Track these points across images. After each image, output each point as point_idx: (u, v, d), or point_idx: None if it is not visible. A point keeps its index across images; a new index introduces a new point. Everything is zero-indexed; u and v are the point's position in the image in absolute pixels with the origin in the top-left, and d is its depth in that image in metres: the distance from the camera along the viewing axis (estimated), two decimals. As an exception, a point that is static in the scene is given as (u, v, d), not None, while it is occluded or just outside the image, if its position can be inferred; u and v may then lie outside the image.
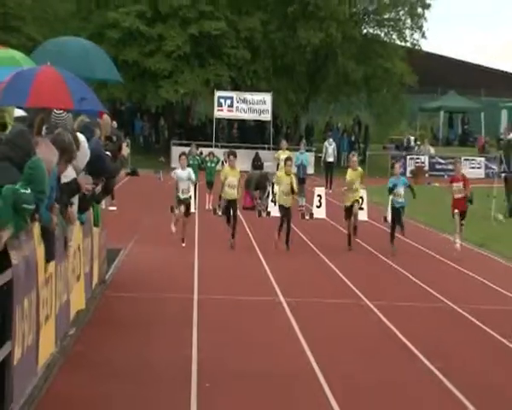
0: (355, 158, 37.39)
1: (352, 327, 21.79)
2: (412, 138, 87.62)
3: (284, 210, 32.67)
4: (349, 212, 34.67)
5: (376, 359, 19.10)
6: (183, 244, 33.07)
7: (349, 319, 22.60)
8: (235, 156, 36.55)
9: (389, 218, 47.05)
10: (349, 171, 35.82)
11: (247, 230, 38.95)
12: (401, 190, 33.09)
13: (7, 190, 13.22)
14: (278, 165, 50.19)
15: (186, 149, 57.17)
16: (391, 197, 34.27)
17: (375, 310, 23.48)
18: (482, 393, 16.46)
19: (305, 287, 25.39)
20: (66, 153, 16.06)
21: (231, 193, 33.47)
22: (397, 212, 33.77)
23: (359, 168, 36.31)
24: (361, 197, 36.83)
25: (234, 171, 34.34)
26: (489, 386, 17.08)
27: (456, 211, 32.40)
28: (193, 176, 34.46)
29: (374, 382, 17.29)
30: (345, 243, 35.90)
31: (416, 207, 42.91)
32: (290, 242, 32.79)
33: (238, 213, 36.11)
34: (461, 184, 32.09)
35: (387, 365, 18.66)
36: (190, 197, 33.60)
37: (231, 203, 33.55)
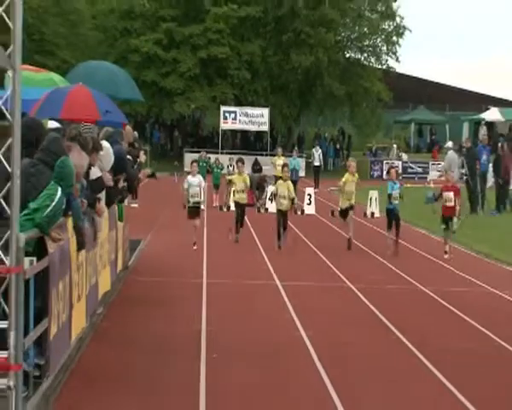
0: (354, 164, 34.70)
1: (336, 305, 21.87)
2: (395, 146, 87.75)
3: (281, 213, 30.61)
4: (344, 213, 32.53)
5: (357, 331, 19.19)
6: (195, 247, 30.40)
7: (334, 299, 22.67)
8: (242, 163, 35.12)
9: (368, 212, 47.55)
10: (346, 174, 33.27)
11: (249, 224, 38.88)
12: (397, 193, 31.07)
13: (60, 199, 13.45)
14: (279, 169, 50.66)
15: (196, 156, 57.73)
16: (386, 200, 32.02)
17: (356, 291, 23.55)
18: (441, 354, 16.66)
19: (298, 273, 25.36)
20: (86, 148, 16.27)
21: (239, 197, 32.18)
22: (392, 213, 31.39)
23: (356, 175, 33.43)
24: (351, 205, 32.70)
25: (241, 177, 32.71)
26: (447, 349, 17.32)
27: (446, 219, 30.49)
28: (203, 183, 32.53)
29: (355, 351, 17.41)
30: (335, 238, 35.74)
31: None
32: (284, 239, 31.24)
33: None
34: (451, 194, 29.98)
35: (366, 337, 18.76)
36: (200, 202, 31.45)
37: (240, 206, 32.21)
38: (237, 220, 32.16)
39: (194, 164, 32.46)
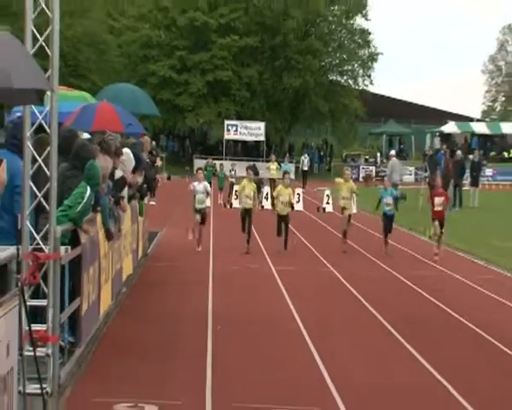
0: (348, 172, 31.94)
1: (321, 286, 21.85)
2: (378, 154, 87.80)
3: (282, 217, 27.62)
4: (343, 210, 29.81)
5: (337, 306, 19.28)
6: (199, 248, 27.30)
7: (320, 281, 22.65)
8: (253, 170, 31.65)
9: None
10: (342, 181, 30.73)
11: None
12: (390, 199, 28.30)
13: (89, 197, 13.54)
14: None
15: (204, 162, 57.94)
16: (382, 206, 28.95)
17: (339, 276, 23.51)
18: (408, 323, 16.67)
19: (289, 260, 25.27)
20: (110, 151, 16.41)
21: (247, 202, 28.03)
22: (387, 219, 28.61)
23: (351, 181, 30.80)
24: (350, 215, 29.90)
25: (250, 184, 28.79)
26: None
27: (436, 223, 27.39)
28: (209, 188, 28.86)
29: (333, 319, 17.49)
30: (319, 230, 36.63)
31: (366, 203, 42.67)
32: (289, 244, 28.17)
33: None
34: (442, 199, 27.45)
35: (344, 309, 18.85)
36: (206, 208, 27.83)
37: (247, 212, 28.05)
38: (243, 227, 27.98)
39: (200, 171, 29.38)
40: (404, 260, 28.01)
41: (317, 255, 27.91)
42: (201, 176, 28.38)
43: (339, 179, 31.16)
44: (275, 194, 27.36)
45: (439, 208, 27.52)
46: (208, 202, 28.00)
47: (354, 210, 30.69)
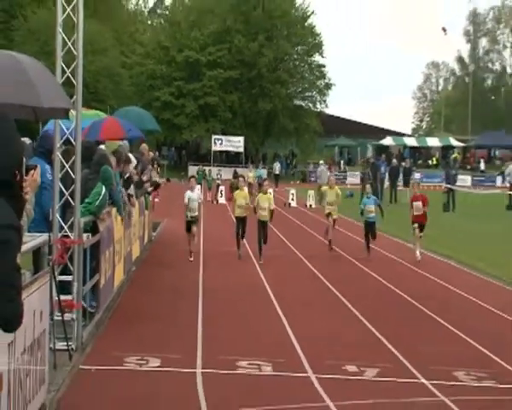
0: (332, 178, 28.09)
1: (290, 268, 21.78)
2: (342, 162, 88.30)
3: (261, 223, 22.60)
4: (327, 216, 24.94)
5: (301, 283, 19.17)
6: (191, 258, 22.24)
7: (289, 264, 22.58)
8: (244, 179, 27.16)
9: (307, 204, 46.89)
10: (327, 187, 26.51)
11: (231, 214, 38.68)
12: (372, 207, 23.62)
13: (105, 195, 13.64)
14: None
15: (196, 168, 58.14)
16: (364, 213, 24.09)
17: (304, 259, 23.46)
18: (357, 297, 16.63)
19: (267, 249, 25.20)
20: (121, 159, 16.49)
21: (239, 211, 23.26)
22: (369, 225, 23.79)
23: (336, 187, 25.73)
24: (335, 219, 25.30)
25: (242, 193, 24.01)
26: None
27: (415, 225, 23.26)
28: (201, 196, 24.92)
29: (297, 292, 17.38)
30: (287, 222, 34.55)
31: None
32: (263, 251, 22.43)
33: (223, 201, 33.57)
34: (420, 203, 23.02)
35: (306, 285, 18.72)
36: (198, 216, 22.86)
37: (240, 219, 23.42)
38: (237, 233, 23.37)
39: (193, 179, 23.99)
40: (353, 245, 27.47)
41: (284, 240, 27.84)
42: (194, 183, 23.28)
43: (324, 187, 26.57)
44: (255, 203, 22.89)
45: (419, 213, 23.21)
46: (198, 212, 22.77)
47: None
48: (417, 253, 23.19)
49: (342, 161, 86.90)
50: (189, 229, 22.24)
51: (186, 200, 22.29)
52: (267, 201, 22.96)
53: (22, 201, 4.87)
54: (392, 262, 23.36)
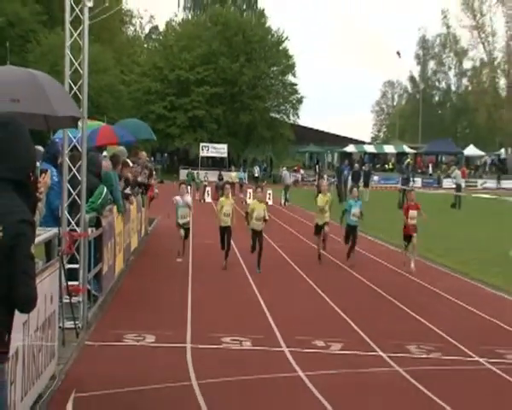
0: (325, 183, 23.77)
1: (269, 259, 21.75)
2: (317, 166, 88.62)
3: (256, 233, 19.20)
4: (319, 229, 20.46)
5: (279, 272, 19.14)
6: (179, 259, 19.30)
7: (267, 255, 22.56)
8: (230, 184, 22.59)
9: (282, 202, 46.59)
10: (320, 196, 21.22)
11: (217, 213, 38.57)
12: (357, 211, 19.77)
13: (106, 194, 13.62)
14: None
15: (186, 172, 58.06)
16: (346, 216, 20.24)
17: (277, 248, 23.35)
18: (327, 283, 16.66)
19: (243, 237, 25.05)
20: (118, 163, 16.64)
21: (226, 220, 19.39)
22: (352, 229, 20.10)
23: (328, 194, 21.46)
24: (325, 222, 20.76)
25: (228, 200, 19.86)
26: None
27: (405, 243, 19.49)
28: (191, 203, 20.24)
29: (276, 280, 17.36)
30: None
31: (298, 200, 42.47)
32: (261, 263, 18.86)
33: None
34: (415, 212, 19.42)
35: (284, 274, 18.69)
36: (188, 222, 20.05)
37: (226, 229, 19.44)
38: (223, 245, 19.27)
39: (183, 186, 20.54)
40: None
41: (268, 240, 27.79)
42: (184, 190, 19.92)
43: (320, 195, 21.18)
44: (249, 210, 19.34)
45: (413, 222, 19.39)
46: (189, 217, 19.81)
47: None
48: (412, 265, 19.00)
49: (317, 166, 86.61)
50: (183, 231, 19.60)
51: (175, 203, 19.66)
52: (263, 210, 19.14)
53: (36, 199, 4.88)
54: (357, 253, 23.37)
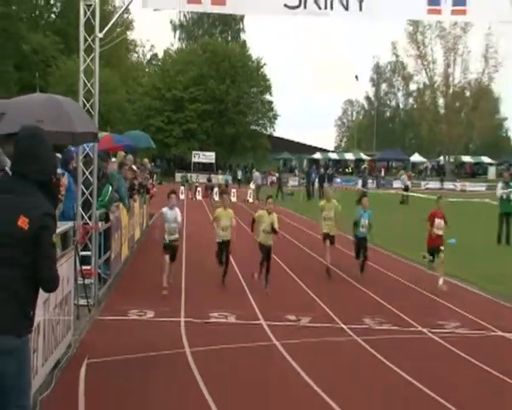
0: (330, 190, 18.89)
1: (252, 250, 21.57)
2: (296, 171, 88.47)
3: (264, 249, 14.06)
4: (325, 236, 15.66)
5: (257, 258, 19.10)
6: (165, 292, 12.81)
7: (250, 246, 22.37)
8: (227, 194, 15.91)
9: (247, 199, 46.12)
10: (323, 201, 16.63)
11: (206, 208, 38.40)
12: (366, 221, 15.29)
13: (111, 192, 13.63)
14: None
15: (181, 175, 58.00)
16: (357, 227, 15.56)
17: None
18: (304, 270, 16.59)
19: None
20: (124, 166, 16.71)
21: (224, 235, 14.24)
22: (361, 241, 15.48)
23: (334, 201, 16.33)
24: (333, 236, 16.01)
25: (226, 211, 14.37)
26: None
27: (430, 257, 14.36)
28: (179, 218, 13.88)
29: (255, 263, 17.33)
30: (246, 213, 33.06)
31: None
32: (269, 280, 13.85)
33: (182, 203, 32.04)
34: (442, 221, 14.41)
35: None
36: (177, 240, 13.76)
37: (224, 245, 14.28)
38: (221, 261, 14.31)
39: (172, 196, 13.94)
40: (299, 233, 27.21)
41: (242, 225, 27.63)
42: (173, 201, 13.68)
43: (322, 202, 16.76)
44: (256, 218, 14.44)
45: (440, 232, 14.24)
46: (177, 234, 13.70)
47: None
48: (441, 281, 13.95)
49: (297, 170, 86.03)
50: (167, 251, 13.27)
51: (163, 218, 13.61)
52: (270, 221, 13.87)
53: (57, 198, 4.94)
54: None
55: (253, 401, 7.36)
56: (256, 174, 52.73)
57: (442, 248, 14.18)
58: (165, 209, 13.63)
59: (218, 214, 14.29)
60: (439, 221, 14.34)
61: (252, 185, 50.24)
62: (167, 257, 13.24)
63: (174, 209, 13.53)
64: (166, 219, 13.45)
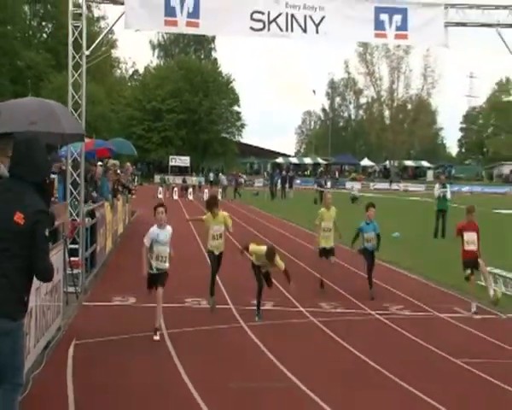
0: (330, 195, 13.57)
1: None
2: (265, 173, 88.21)
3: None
4: (325, 253, 12.33)
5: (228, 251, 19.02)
6: (156, 337, 8.49)
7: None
8: (215, 204, 10.75)
9: (220, 197, 45.88)
10: (323, 209, 12.65)
11: (181, 205, 38.14)
12: (372, 234, 11.85)
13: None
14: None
15: (159, 177, 57.55)
16: (361, 240, 12.11)
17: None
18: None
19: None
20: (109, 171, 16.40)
21: (216, 245, 10.69)
22: (370, 254, 11.96)
23: (333, 207, 12.71)
24: (332, 248, 12.37)
25: (217, 218, 10.59)
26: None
27: (468, 271, 10.77)
28: (168, 238, 8.95)
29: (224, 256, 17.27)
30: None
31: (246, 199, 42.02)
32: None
33: (180, 198, 31.85)
34: (474, 234, 10.85)
35: (230, 252, 18.53)
36: (166, 270, 8.88)
37: (217, 257, 10.75)
38: (213, 275, 10.70)
39: (161, 209, 8.97)
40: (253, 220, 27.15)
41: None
42: (163, 217, 9.03)
43: (321, 209, 12.84)
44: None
45: (472, 247, 10.95)
46: (167, 262, 9.09)
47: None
48: (491, 291, 10.91)
49: (265, 173, 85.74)
50: (151, 286, 9.03)
51: (148, 242, 9.09)
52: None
53: (50, 197, 4.95)
54: (278, 234, 23.33)
55: (220, 372, 7.37)
56: (222, 177, 52.78)
57: (480, 260, 10.83)
58: (153, 229, 8.97)
59: (208, 221, 10.58)
60: (469, 235, 10.94)
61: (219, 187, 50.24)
62: (156, 291, 8.81)
63: (165, 228, 9.02)
64: (156, 240, 8.93)
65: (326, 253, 12.38)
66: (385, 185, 79.82)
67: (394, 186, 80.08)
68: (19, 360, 4.62)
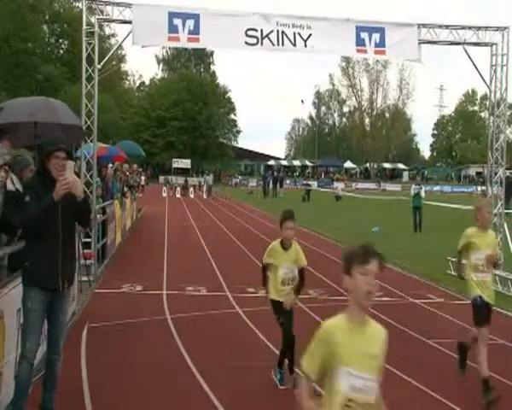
0: (488, 209, 5.94)
1: (217, 235, 21.44)
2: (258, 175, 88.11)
3: (287, 314, 5.99)
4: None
5: (221, 241, 18.94)
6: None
7: (216, 232, 22.24)
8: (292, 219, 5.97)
9: (204, 196, 45.76)
10: (473, 230, 6.03)
11: (183, 202, 38.10)
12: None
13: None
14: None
15: (163, 177, 57.18)
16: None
17: (225, 229, 23.05)
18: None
19: (204, 219, 24.81)
20: (118, 172, 16.21)
21: (284, 291, 5.87)
22: None
23: (491, 231, 6.15)
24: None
25: (289, 253, 5.86)
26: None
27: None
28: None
29: (222, 249, 17.21)
30: (202, 213, 32.89)
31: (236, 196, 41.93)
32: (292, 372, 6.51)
33: (181, 198, 32.08)
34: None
35: (226, 246, 18.49)
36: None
37: (288, 313, 5.94)
38: (288, 342, 5.91)
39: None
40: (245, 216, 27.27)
41: (212, 217, 27.49)
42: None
43: (470, 231, 6.08)
44: (267, 265, 6.13)
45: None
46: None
47: None
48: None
49: (259, 173, 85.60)
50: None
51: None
52: (292, 261, 6.07)
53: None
54: (270, 229, 23.28)
55: (219, 353, 7.36)
56: (207, 177, 52.48)
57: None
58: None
59: (274, 255, 6.21)
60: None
61: (204, 187, 50.13)
62: None
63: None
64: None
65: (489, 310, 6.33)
66: (366, 185, 79.91)
67: (373, 185, 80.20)
68: (65, 327, 4.90)
